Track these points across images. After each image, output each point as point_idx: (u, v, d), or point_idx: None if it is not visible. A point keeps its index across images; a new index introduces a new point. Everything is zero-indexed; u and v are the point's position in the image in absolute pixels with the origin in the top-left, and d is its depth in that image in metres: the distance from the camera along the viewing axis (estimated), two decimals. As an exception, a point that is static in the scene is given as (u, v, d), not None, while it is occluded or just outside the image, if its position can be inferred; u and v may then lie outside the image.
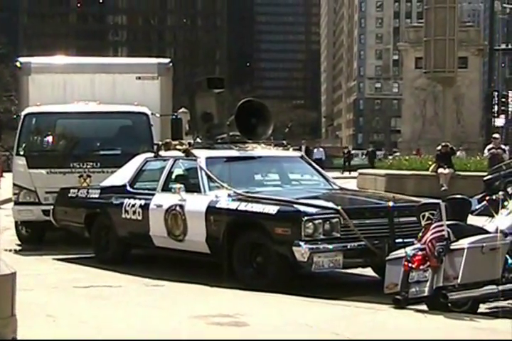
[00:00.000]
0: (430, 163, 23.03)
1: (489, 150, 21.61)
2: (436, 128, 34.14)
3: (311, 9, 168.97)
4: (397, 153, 40.41)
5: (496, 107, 37.92)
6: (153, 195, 10.13)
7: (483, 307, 7.36)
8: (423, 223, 7.43)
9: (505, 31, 64.21)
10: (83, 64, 14.53)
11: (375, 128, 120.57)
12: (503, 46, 44.68)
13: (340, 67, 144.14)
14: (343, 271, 9.16)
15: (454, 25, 29.27)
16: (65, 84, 13.59)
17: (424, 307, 7.15)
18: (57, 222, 11.76)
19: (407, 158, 27.08)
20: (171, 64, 14.26)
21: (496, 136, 23.62)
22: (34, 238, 13.19)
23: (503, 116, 39.73)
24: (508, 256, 7.24)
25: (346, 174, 42.76)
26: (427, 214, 7.44)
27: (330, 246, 8.16)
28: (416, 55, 36.99)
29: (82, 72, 13.75)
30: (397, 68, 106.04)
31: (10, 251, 12.26)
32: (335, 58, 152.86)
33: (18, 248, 12.72)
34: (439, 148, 22.40)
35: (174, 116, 13.24)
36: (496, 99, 38.10)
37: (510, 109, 42.44)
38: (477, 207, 8.87)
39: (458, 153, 25.59)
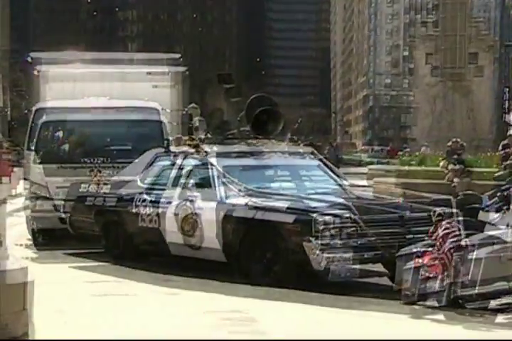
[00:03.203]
0: (440, 158, 22.92)
1: (503, 146, 21.50)
2: (446, 124, 34.00)
3: (322, 6, 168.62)
4: (407, 149, 40.28)
5: (506, 103, 37.72)
6: (170, 202, 10.09)
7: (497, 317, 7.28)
8: (434, 219, 7.42)
9: (516, 27, 63.93)
10: (93, 59, 14.56)
11: (385, 124, 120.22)
12: (514, 42, 44.50)
13: (351, 63, 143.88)
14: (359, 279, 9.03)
15: (464, 20, 29.18)
16: (76, 80, 13.61)
17: (441, 316, 7.06)
18: (74, 230, 11.74)
19: (415, 163, 26.77)
20: (181, 59, 14.28)
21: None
22: (50, 245, 13.08)
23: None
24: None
25: None
26: (438, 210, 7.43)
27: (347, 255, 8.12)
28: (426, 51, 36.82)
29: (93, 67, 13.78)
30: (408, 64, 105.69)
31: (21, 245, 12.26)
32: (345, 54, 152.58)
33: (29, 242, 12.71)
34: (450, 144, 22.33)
35: (184, 112, 13.25)
36: (507, 95, 37.88)
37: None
38: (488, 203, 8.86)
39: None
